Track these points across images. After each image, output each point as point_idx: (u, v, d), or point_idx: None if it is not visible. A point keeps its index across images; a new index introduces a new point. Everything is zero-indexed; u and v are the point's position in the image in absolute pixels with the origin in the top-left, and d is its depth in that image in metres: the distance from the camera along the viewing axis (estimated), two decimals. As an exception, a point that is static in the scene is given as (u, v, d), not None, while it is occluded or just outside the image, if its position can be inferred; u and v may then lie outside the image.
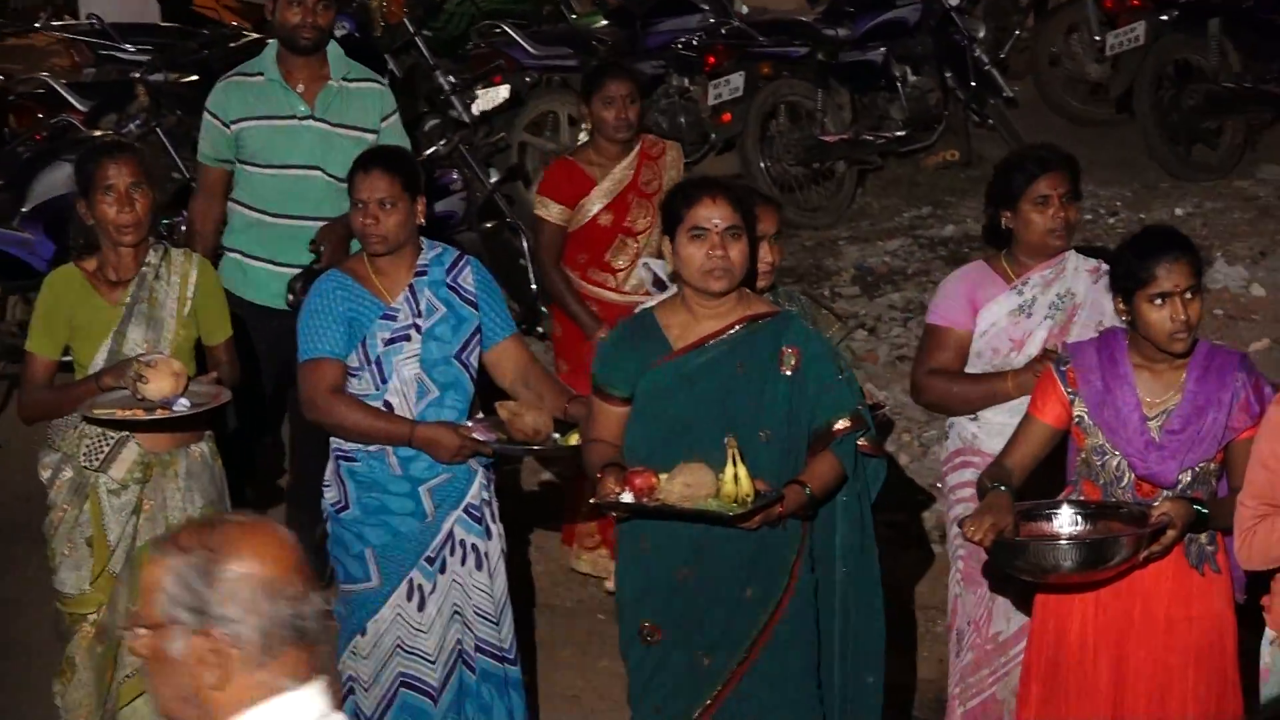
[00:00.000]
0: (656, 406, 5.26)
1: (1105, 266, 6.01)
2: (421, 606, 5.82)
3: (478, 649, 5.90)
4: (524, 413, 5.76)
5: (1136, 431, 5.36)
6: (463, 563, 5.86)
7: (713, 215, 5.15)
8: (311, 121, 7.02)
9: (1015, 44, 10.73)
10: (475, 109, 9.67)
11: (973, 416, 6.03)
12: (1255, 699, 5.36)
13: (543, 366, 6.19)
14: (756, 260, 5.35)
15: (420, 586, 5.81)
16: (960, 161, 10.30)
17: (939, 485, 6.14)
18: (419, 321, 5.79)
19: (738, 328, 5.25)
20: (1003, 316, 6.00)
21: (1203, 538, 5.36)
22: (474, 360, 5.89)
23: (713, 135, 10.24)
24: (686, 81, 10.28)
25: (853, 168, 10.16)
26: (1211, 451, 5.35)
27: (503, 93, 9.81)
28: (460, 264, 5.91)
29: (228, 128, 7.01)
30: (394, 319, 5.77)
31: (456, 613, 5.86)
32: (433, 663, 5.84)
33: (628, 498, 5.10)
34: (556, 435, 5.79)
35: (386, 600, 5.80)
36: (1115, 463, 5.40)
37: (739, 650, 5.23)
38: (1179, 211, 9.32)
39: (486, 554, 5.90)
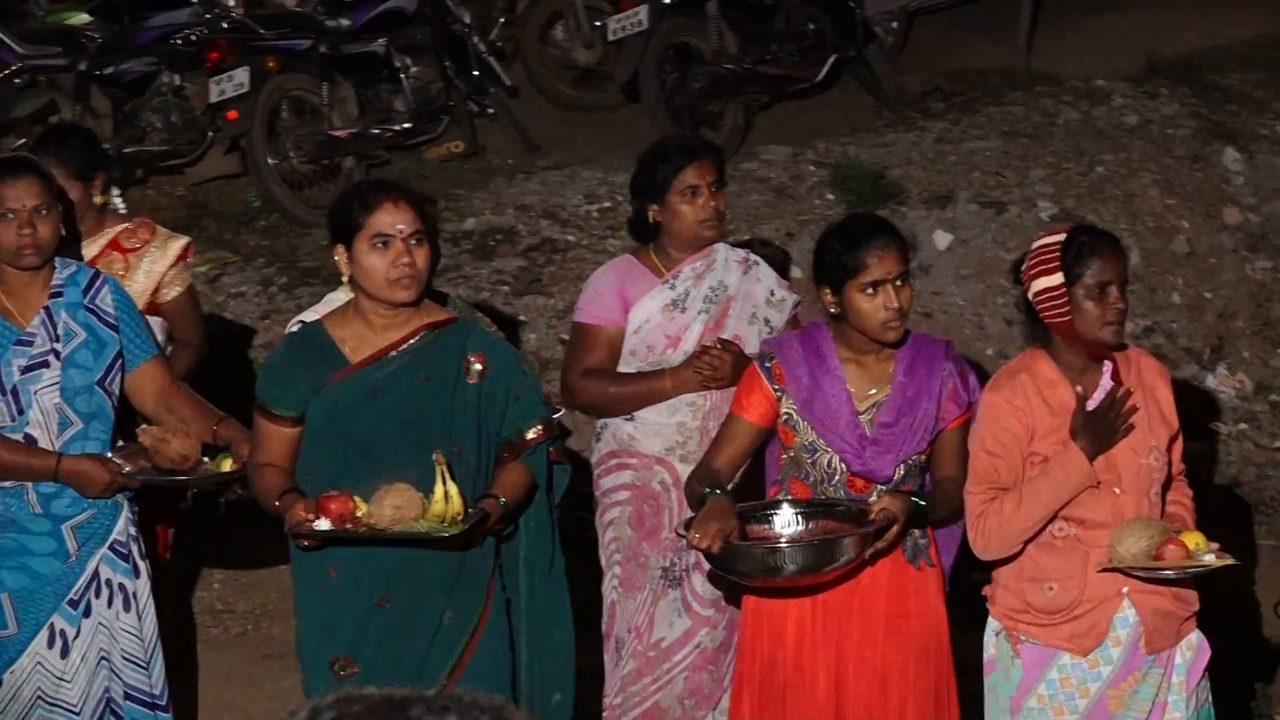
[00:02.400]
0: (337, 426, 4.99)
1: (754, 257, 6.02)
2: (65, 654, 5.44)
3: (126, 696, 5.53)
4: (169, 439, 5.41)
5: (849, 427, 5.27)
6: (109, 604, 5.49)
7: (396, 221, 4.90)
8: None
9: (502, 31, 10.57)
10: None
11: (629, 417, 5.89)
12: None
13: (187, 388, 5.78)
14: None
15: (63, 632, 5.42)
16: (465, 153, 10.11)
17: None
18: (57, 347, 5.39)
19: (419, 336, 5.01)
20: (656, 312, 5.86)
21: (916, 532, 5.31)
22: (117, 387, 5.50)
23: (211, 134, 9.73)
24: (178, 79, 9.75)
25: (362, 163, 9.85)
26: (925, 443, 5.31)
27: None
28: (97, 284, 5.50)
29: None
30: (30, 344, 5.36)
31: (104, 659, 5.49)
32: (77, 714, 5.47)
33: (324, 525, 4.82)
34: (206, 460, 5.48)
35: (25, 649, 5.40)
36: (827, 460, 5.30)
37: (439, 677, 5.01)
38: None
39: (135, 593, 5.53)
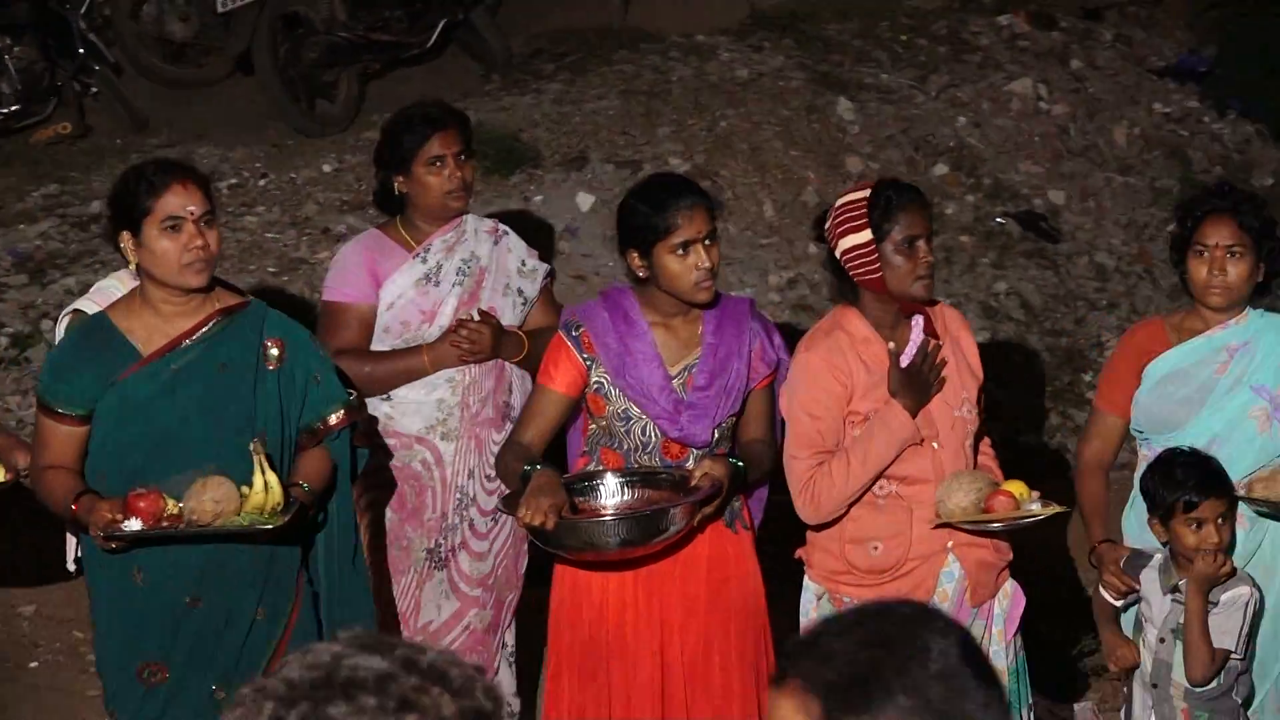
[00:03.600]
0: (134, 421, 4.79)
1: (503, 227, 5.91)
2: None
3: None
4: None
5: (662, 392, 5.14)
6: None
7: (187, 203, 4.72)
8: None
9: (92, 9, 9.89)
10: None
11: (385, 397, 5.70)
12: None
13: None
14: None
15: None
16: (74, 134, 9.48)
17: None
18: None
19: (213, 323, 4.84)
20: (409, 287, 5.70)
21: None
22: None
23: None
24: None
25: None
26: (738, 404, 5.21)
27: None
28: None
29: None
30: None
31: None
32: None
33: (136, 525, 4.62)
34: None
35: None
36: (641, 427, 5.17)
37: (249, 676, 4.66)
38: (327, 168, 9.03)
39: None
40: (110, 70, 9.64)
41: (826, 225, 5.06)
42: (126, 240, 4.75)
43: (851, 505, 5.04)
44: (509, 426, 5.62)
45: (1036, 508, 5.08)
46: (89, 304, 5.31)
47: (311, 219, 8.67)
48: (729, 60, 10.14)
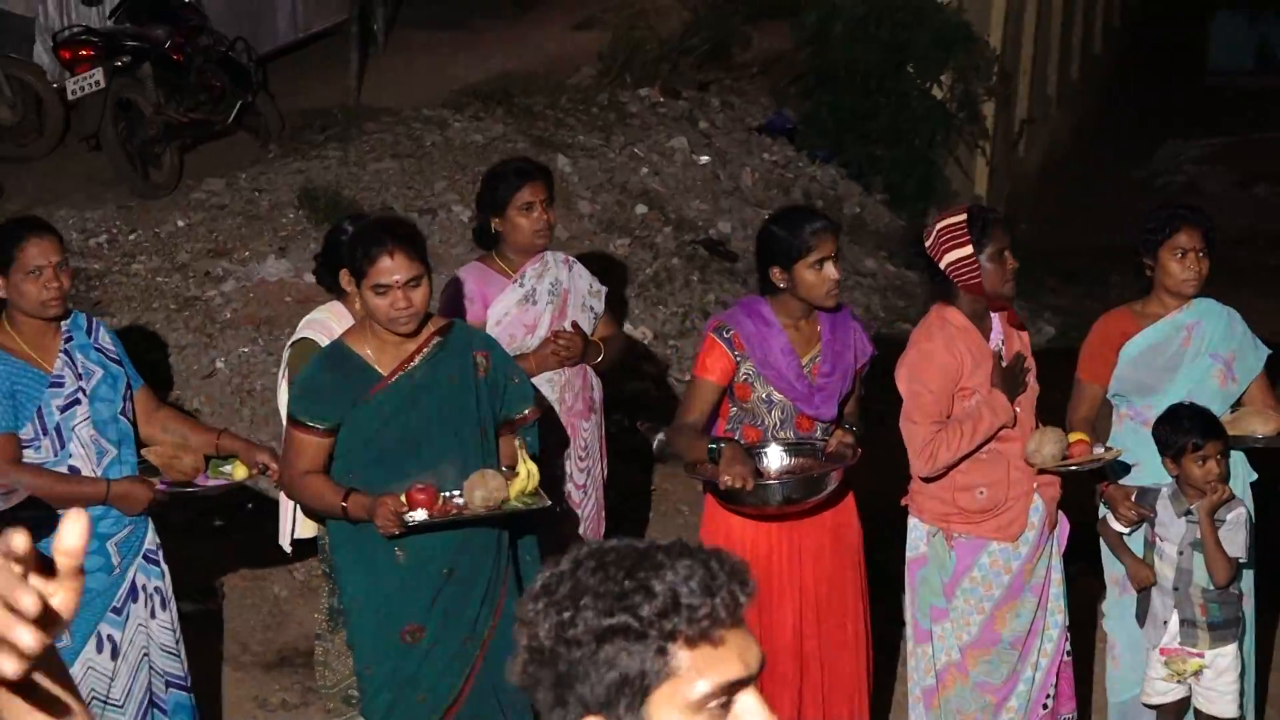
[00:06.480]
0: (388, 430, 5.14)
1: (572, 259, 6.55)
2: (114, 655, 5.56)
3: (167, 686, 5.72)
4: (180, 455, 5.59)
5: (798, 379, 5.63)
6: (146, 606, 5.64)
7: (395, 271, 4.99)
8: None
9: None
10: None
11: None
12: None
13: (172, 408, 6.05)
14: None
15: (110, 636, 5.55)
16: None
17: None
18: (83, 385, 5.48)
19: (434, 343, 5.18)
20: (512, 306, 6.19)
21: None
22: (130, 414, 5.64)
23: None
24: None
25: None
26: (850, 386, 5.77)
27: None
28: (94, 326, 5.66)
29: None
30: (61, 385, 5.44)
31: (144, 654, 5.64)
32: (121, 708, 5.59)
33: (421, 515, 5.04)
34: (226, 469, 5.66)
35: (77, 657, 5.45)
36: (781, 407, 5.65)
37: (488, 624, 5.27)
38: (181, 223, 9.92)
39: (164, 593, 5.71)
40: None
41: (928, 243, 5.55)
42: (350, 284, 5.11)
43: (959, 461, 5.55)
44: (594, 416, 6.38)
45: (1101, 451, 5.68)
46: (309, 333, 5.74)
47: (188, 264, 9.47)
48: (461, 129, 11.47)
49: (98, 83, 10.00)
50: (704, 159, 12.15)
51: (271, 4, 13.16)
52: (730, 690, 1.94)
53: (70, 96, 10.16)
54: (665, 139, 12.20)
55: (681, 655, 1.92)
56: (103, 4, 11.14)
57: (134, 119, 10.43)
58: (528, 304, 6.23)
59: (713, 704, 1.93)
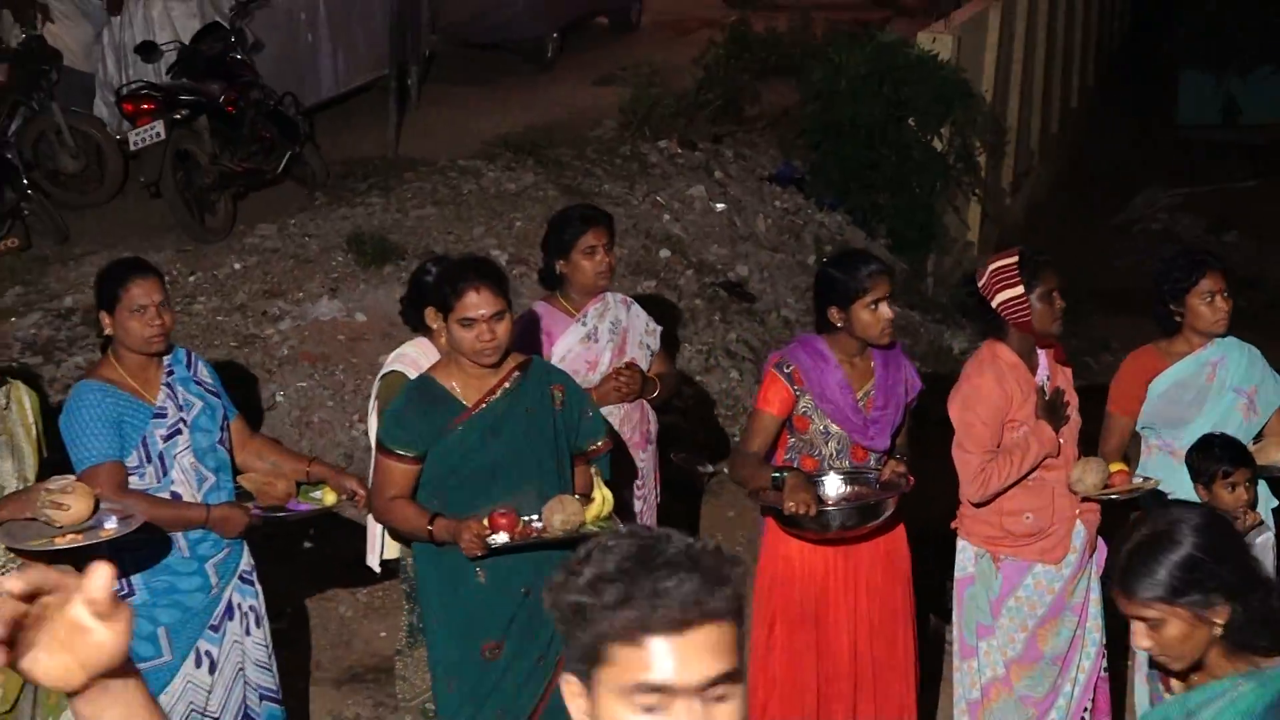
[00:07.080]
0: (471, 458, 5.24)
1: (630, 299, 6.66)
2: (211, 670, 5.72)
3: (261, 699, 5.86)
4: (274, 481, 5.77)
5: (854, 412, 5.74)
6: (241, 623, 5.80)
7: (480, 306, 5.11)
8: None
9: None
10: None
11: None
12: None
13: (264, 437, 6.24)
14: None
15: (208, 653, 5.72)
16: (20, 247, 10.43)
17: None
18: (184, 416, 5.64)
19: (512, 378, 5.29)
20: (575, 344, 6.34)
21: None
22: (228, 443, 5.81)
23: None
24: None
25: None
26: (901, 418, 5.88)
27: None
28: (193, 360, 5.82)
29: None
30: (164, 416, 5.59)
31: (240, 670, 5.80)
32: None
33: (503, 537, 5.17)
34: (316, 495, 5.83)
35: (176, 672, 5.64)
36: (838, 438, 5.77)
37: (561, 644, 5.25)
38: (236, 265, 10.23)
39: (258, 611, 5.88)
40: (41, 195, 10.76)
41: (981, 283, 5.67)
42: (437, 319, 5.32)
43: (1007, 488, 5.71)
44: (650, 448, 6.50)
45: (1140, 480, 5.86)
46: (399, 366, 5.91)
47: (246, 304, 9.77)
48: (495, 178, 11.80)
49: (159, 134, 10.37)
50: (720, 206, 12.49)
51: (316, 61, 13.56)
52: (657, 691, 2.10)
53: (133, 147, 10.54)
54: (685, 188, 12.55)
55: (615, 649, 2.16)
56: (160, 60, 11.54)
57: (191, 168, 10.79)
58: (590, 342, 6.38)
59: (639, 698, 2.12)
